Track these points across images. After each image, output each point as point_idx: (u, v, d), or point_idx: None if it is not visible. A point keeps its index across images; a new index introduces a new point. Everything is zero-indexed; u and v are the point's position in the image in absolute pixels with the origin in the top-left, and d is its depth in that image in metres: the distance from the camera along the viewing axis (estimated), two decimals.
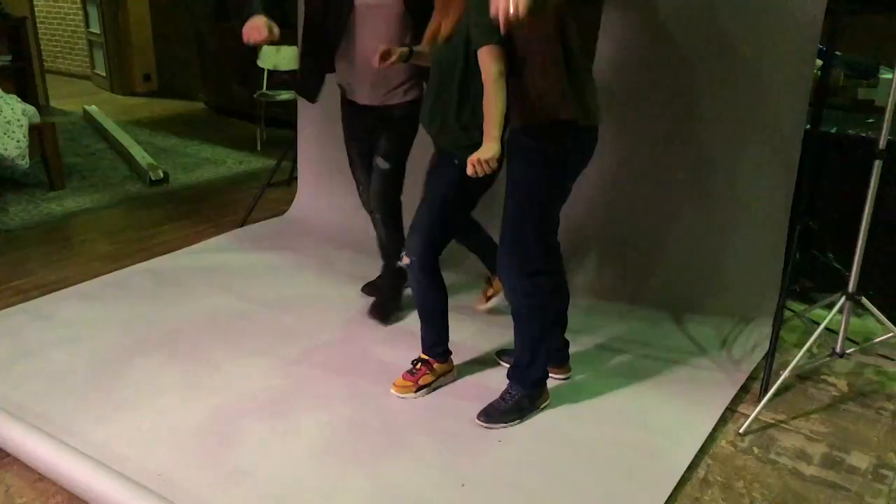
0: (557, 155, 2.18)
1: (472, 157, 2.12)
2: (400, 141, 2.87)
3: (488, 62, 2.17)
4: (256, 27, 2.54)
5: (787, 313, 2.96)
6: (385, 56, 2.50)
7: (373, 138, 2.90)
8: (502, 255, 2.29)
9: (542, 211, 2.24)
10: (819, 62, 2.98)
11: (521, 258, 2.25)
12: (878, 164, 2.37)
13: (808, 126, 2.86)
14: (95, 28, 8.14)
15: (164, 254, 3.73)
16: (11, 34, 6.73)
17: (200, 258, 3.68)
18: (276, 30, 2.55)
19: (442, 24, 2.35)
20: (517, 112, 2.17)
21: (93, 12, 8.13)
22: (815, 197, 3.02)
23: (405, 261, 2.55)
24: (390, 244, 3.03)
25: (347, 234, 3.84)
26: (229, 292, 3.30)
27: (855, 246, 2.45)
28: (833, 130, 3.10)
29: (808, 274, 3.24)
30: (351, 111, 2.94)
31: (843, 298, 2.49)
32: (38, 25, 8.48)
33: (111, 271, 3.51)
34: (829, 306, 2.58)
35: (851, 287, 2.48)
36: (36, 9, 8.63)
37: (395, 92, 2.79)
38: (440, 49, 2.37)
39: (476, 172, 2.13)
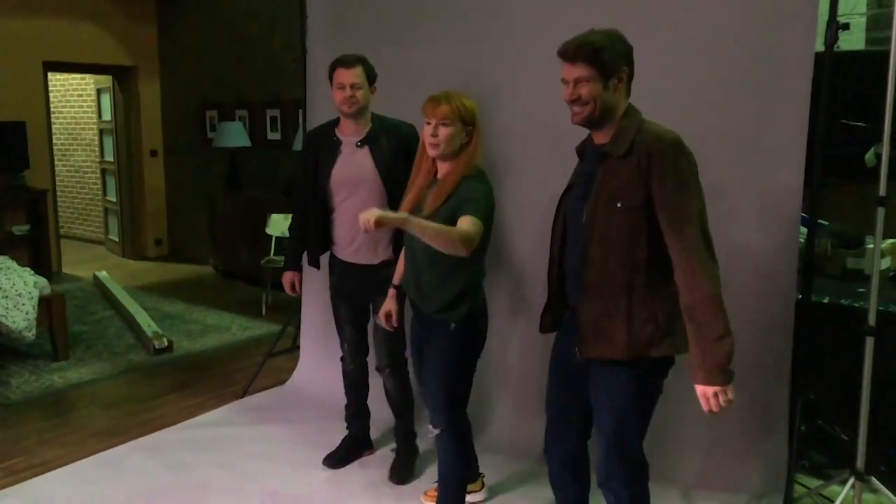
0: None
1: (371, 213, 2.19)
2: None
3: (469, 226, 2.32)
4: (288, 282, 3.24)
5: (801, 489, 2.88)
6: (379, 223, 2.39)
7: (369, 299, 3.10)
8: (611, 473, 2.15)
9: (645, 419, 2.15)
10: (804, 230, 3.09)
11: (630, 468, 2.16)
12: (870, 340, 2.39)
13: (800, 296, 2.91)
14: (112, 196, 8.51)
15: (163, 428, 3.69)
16: (31, 205, 7.03)
17: (199, 433, 3.63)
18: (298, 287, 3.27)
19: (431, 199, 2.47)
20: (644, 341, 1.99)
21: (111, 182, 8.53)
22: (814, 368, 3.01)
23: (433, 432, 2.61)
24: (401, 398, 3.17)
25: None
26: (226, 470, 3.24)
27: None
28: (826, 300, 3.14)
29: (820, 448, 3.17)
30: (341, 270, 3.12)
31: (851, 478, 2.43)
32: (59, 194, 8.91)
33: (107, 448, 3.46)
34: (843, 483, 2.51)
35: (859, 465, 2.42)
36: (59, 178, 9.12)
37: (380, 250, 3.01)
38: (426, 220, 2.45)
39: (367, 226, 2.18)
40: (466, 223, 2.31)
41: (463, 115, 2.43)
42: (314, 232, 3.12)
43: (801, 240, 2.98)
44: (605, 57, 1.95)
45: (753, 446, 2.92)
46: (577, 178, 2.14)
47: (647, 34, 2.93)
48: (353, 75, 2.87)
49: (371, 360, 3.26)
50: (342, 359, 3.32)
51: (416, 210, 2.55)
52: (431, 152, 2.48)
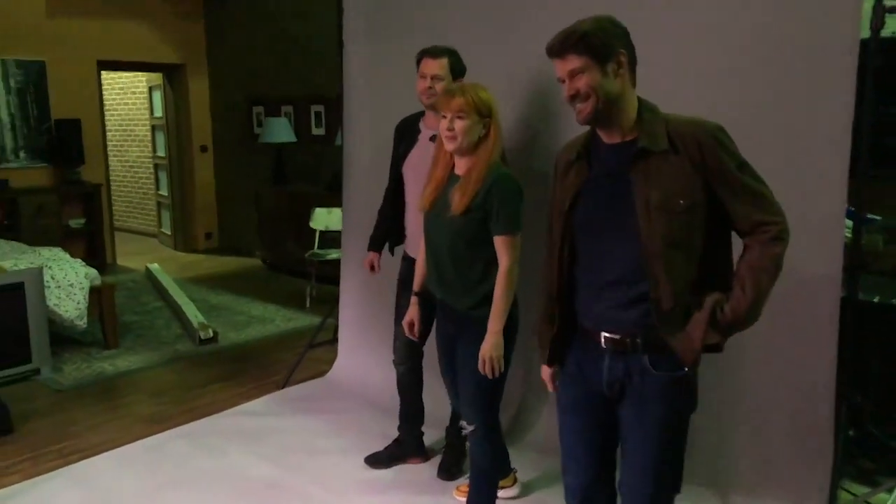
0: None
1: (483, 354, 2.39)
2: None
3: (510, 251, 2.40)
4: (367, 263, 3.27)
5: (847, 496, 2.79)
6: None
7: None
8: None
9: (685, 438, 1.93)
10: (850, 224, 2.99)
11: (672, 491, 1.94)
12: None
13: (845, 294, 2.80)
14: (164, 191, 8.73)
15: (205, 416, 3.78)
16: (86, 199, 7.26)
17: (239, 422, 3.70)
18: (377, 267, 3.27)
19: (457, 198, 2.43)
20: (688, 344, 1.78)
21: (163, 177, 8.76)
22: (864, 371, 2.90)
23: (467, 429, 2.60)
24: None
25: (383, 396, 3.82)
26: (263, 459, 3.29)
27: None
28: (876, 299, 3.03)
29: (869, 453, 3.06)
30: (408, 263, 3.07)
31: None
32: (114, 188, 9.18)
33: (152, 434, 3.56)
34: (891, 491, 2.43)
35: None
36: (113, 173, 9.40)
37: None
38: (455, 221, 2.43)
39: (492, 372, 2.40)
40: (503, 249, 2.41)
41: (479, 106, 2.38)
42: (390, 219, 3.14)
43: (848, 234, 2.88)
44: (595, 41, 1.74)
45: (797, 450, 2.83)
46: (586, 188, 1.87)
47: (686, 24, 2.87)
48: (436, 66, 2.84)
49: (425, 363, 3.20)
50: (394, 361, 3.22)
51: (436, 204, 2.52)
52: (449, 146, 2.43)
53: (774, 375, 2.84)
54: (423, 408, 3.26)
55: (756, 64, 2.73)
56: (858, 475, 3.00)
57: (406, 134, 3.07)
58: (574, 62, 1.76)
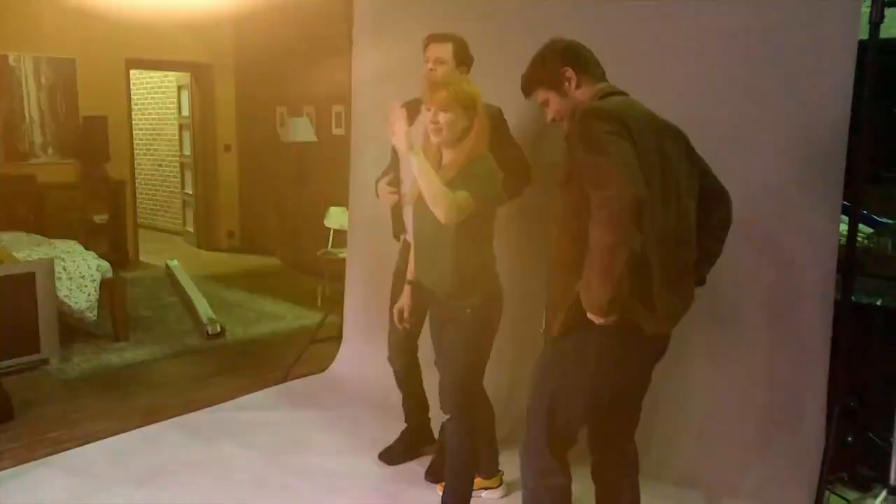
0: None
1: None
2: None
3: (463, 199, 2.37)
4: (384, 194, 3.04)
5: (840, 502, 2.70)
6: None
7: None
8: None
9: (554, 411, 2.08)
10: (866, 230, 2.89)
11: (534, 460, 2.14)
12: None
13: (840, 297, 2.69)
14: (189, 189, 8.85)
15: (202, 408, 3.80)
16: (111, 196, 7.38)
17: (234, 415, 3.72)
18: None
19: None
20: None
21: (188, 176, 8.88)
22: (857, 374, 2.80)
23: (443, 417, 2.62)
24: None
25: (380, 393, 3.81)
26: (252, 452, 3.30)
27: None
28: (878, 303, 2.93)
29: (868, 460, 2.95)
30: (407, 253, 3.01)
31: (883, 493, 2.24)
32: (143, 186, 9.33)
33: (148, 424, 3.59)
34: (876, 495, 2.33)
35: (893, 479, 2.24)
36: (142, 171, 9.57)
37: None
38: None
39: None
40: (460, 196, 2.35)
41: (462, 100, 2.40)
42: (394, 207, 3.06)
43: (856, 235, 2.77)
44: (543, 75, 2.06)
45: (786, 453, 2.75)
46: None
47: (680, 28, 2.81)
48: (439, 49, 2.81)
49: (421, 356, 3.17)
50: (388, 357, 3.20)
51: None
52: (434, 139, 2.47)
53: (764, 376, 2.77)
54: (425, 396, 3.20)
55: (751, 63, 2.67)
56: (858, 483, 2.89)
57: (409, 118, 2.97)
58: (540, 95, 2.10)
